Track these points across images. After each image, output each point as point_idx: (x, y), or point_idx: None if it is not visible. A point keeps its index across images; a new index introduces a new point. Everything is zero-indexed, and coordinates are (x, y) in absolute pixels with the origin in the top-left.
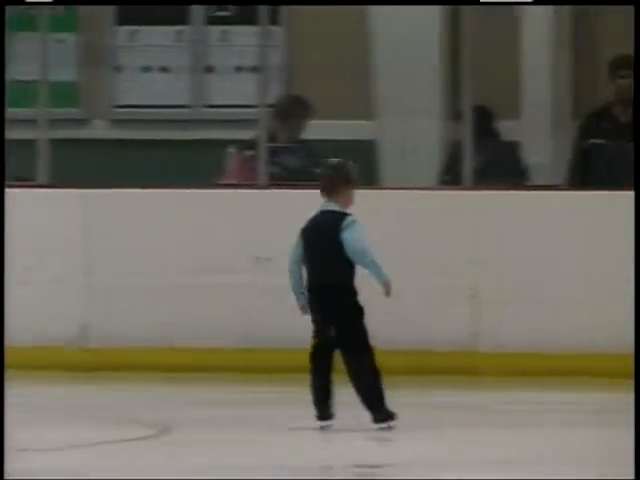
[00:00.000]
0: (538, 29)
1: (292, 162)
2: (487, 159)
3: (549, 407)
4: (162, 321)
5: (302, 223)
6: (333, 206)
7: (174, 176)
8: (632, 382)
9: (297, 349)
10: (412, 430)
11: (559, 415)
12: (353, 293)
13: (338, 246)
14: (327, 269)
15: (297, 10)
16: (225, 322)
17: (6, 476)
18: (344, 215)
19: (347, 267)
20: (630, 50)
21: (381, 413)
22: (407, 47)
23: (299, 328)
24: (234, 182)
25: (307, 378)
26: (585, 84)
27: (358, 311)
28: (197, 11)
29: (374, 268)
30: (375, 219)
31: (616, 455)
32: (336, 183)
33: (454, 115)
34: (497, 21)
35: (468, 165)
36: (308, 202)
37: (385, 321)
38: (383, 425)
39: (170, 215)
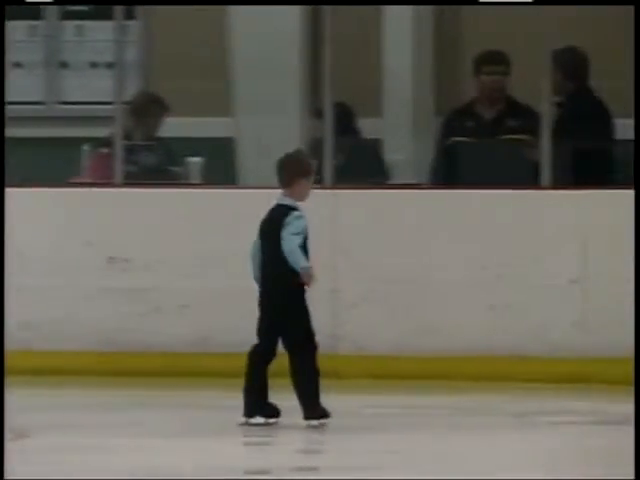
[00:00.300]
0: (399, 27)
1: (149, 160)
2: (348, 158)
3: (415, 411)
4: (20, 323)
5: (159, 222)
6: (287, 200)
7: (28, 175)
8: (495, 384)
9: (154, 353)
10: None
11: (426, 419)
12: (295, 291)
13: (280, 242)
14: (271, 264)
15: (153, 5)
16: (80, 324)
17: (6, 476)
18: (290, 210)
19: (288, 264)
20: (494, 47)
21: (314, 411)
22: (266, 45)
23: (154, 332)
24: (90, 180)
25: (162, 380)
26: (448, 81)
27: (300, 309)
28: (51, 5)
29: (296, 266)
30: (234, 220)
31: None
32: (292, 175)
33: (315, 113)
34: (358, 19)
35: (329, 164)
36: (165, 201)
37: (249, 323)
38: (314, 423)
39: (24, 214)
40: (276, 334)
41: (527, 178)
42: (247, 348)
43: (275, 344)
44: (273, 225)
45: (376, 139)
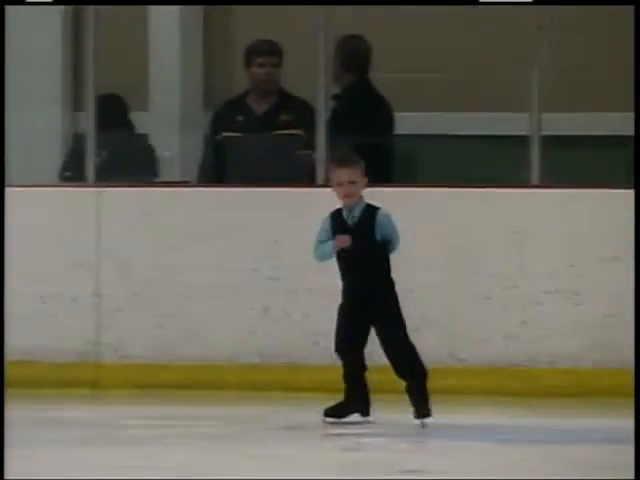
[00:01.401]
0: (166, 18)
1: None
2: (113, 154)
3: (181, 422)
4: None
5: None
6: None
7: None
8: (265, 393)
9: None
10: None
11: (191, 430)
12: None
13: None
14: None
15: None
16: None
17: (6, 476)
18: None
19: None
20: (267, 36)
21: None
22: (27, 38)
23: None
24: None
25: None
26: (218, 73)
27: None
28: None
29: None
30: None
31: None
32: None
33: (79, 106)
34: (124, 10)
35: (91, 161)
36: None
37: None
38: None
39: None
40: None
41: (302, 175)
42: None
43: None
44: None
45: (145, 134)
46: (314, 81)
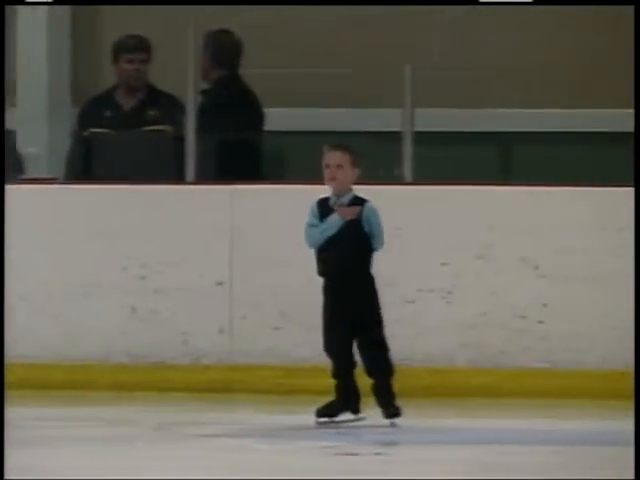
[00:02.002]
0: (34, 13)
1: None
2: None
3: (52, 424)
4: None
5: None
6: None
7: None
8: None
9: None
10: None
11: (63, 431)
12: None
13: None
14: None
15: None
16: None
17: (6, 476)
18: None
19: None
20: (135, 31)
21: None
22: None
23: None
24: None
25: None
26: (86, 68)
27: None
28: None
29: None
30: None
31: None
32: None
33: None
34: None
35: None
36: None
37: None
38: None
39: None
40: None
41: (171, 172)
42: None
43: None
44: None
45: (11, 130)
46: (183, 77)
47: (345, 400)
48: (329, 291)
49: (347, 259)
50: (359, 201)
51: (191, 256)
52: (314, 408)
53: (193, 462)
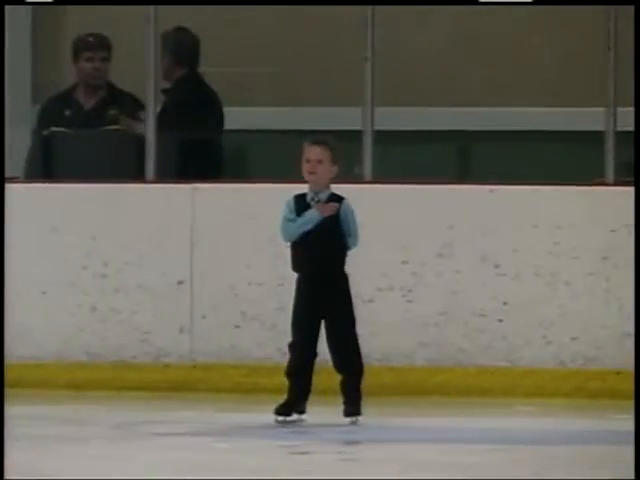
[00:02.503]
0: None
1: None
2: None
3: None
4: None
5: None
6: None
7: None
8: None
9: None
10: None
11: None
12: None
13: None
14: None
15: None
16: None
17: (6, 476)
18: None
19: None
20: (96, 30)
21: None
22: None
23: None
24: None
25: None
26: (47, 67)
27: None
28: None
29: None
30: None
31: None
32: None
33: None
34: None
35: None
36: None
37: None
38: None
39: None
40: None
41: (131, 171)
42: None
43: None
44: None
45: None
46: (144, 75)
47: (297, 398)
48: (303, 287)
49: (322, 256)
50: (337, 198)
51: (152, 255)
52: (275, 406)
53: (150, 461)
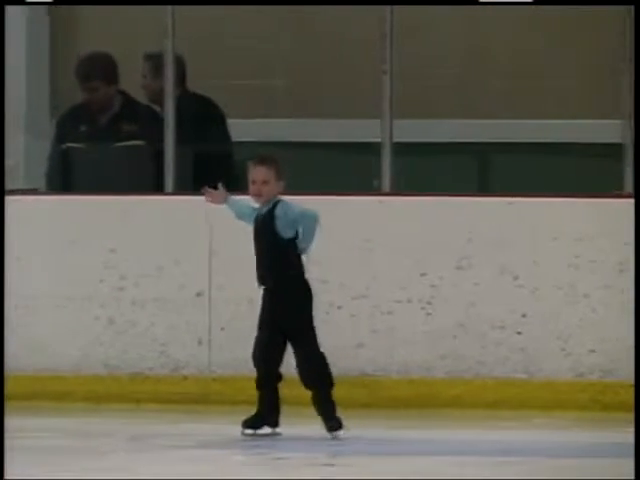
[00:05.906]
0: (13, 23)
1: None
2: None
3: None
4: None
5: None
6: None
7: None
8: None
9: None
10: None
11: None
12: None
13: None
14: None
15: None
16: None
17: (6, 476)
18: None
19: None
20: (109, 48)
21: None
22: None
23: None
24: None
25: None
26: (65, 81)
27: None
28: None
29: None
30: None
31: None
32: None
33: None
34: None
35: None
36: None
37: None
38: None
39: None
40: None
41: (148, 186)
42: None
43: None
44: None
45: None
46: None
47: (266, 412)
48: (262, 297)
49: (270, 264)
50: (274, 205)
51: (170, 267)
52: (293, 419)
53: (166, 474)
